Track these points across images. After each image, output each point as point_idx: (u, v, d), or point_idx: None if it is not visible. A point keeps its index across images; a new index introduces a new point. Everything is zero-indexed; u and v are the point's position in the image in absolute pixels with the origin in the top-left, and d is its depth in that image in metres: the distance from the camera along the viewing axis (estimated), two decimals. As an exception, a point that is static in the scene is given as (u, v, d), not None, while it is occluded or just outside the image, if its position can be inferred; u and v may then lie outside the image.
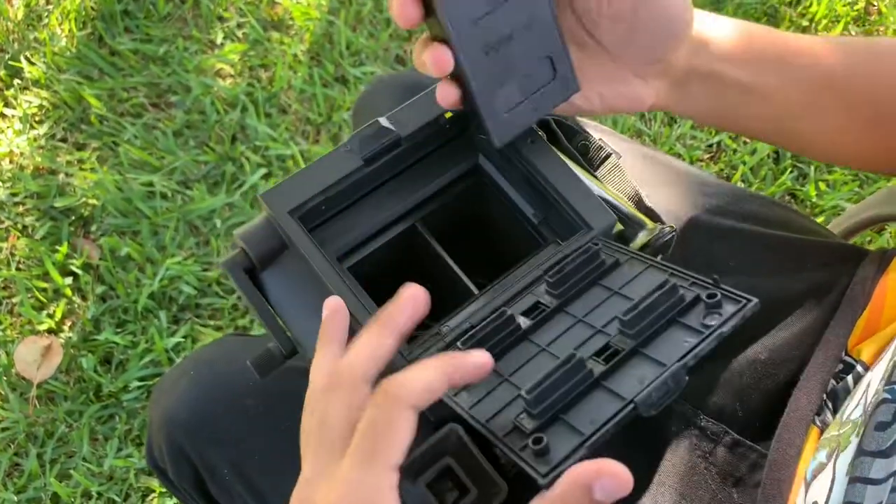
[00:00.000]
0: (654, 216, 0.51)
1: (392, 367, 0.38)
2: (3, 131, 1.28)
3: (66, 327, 1.16)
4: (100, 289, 1.17)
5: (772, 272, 0.57)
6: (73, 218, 1.22)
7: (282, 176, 1.24)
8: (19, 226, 1.22)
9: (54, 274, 1.16)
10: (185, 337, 1.13)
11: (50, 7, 1.38)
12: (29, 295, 1.16)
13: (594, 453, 0.32)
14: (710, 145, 1.29)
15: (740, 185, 1.25)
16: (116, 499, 1.06)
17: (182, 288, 1.15)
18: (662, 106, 0.50)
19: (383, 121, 0.48)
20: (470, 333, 0.40)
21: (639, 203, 0.51)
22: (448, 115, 0.49)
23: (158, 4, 1.36)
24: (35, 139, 1.27)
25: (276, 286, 0.47)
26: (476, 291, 0.47)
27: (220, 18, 1.37)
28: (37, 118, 1.30)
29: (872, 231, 1.22)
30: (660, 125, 1.30)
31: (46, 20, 1.37)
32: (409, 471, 0.35)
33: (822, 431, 0.46)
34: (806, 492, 0.43)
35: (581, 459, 0.32)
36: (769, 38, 0.51)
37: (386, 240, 0.50)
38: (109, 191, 1.21)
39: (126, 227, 1.20)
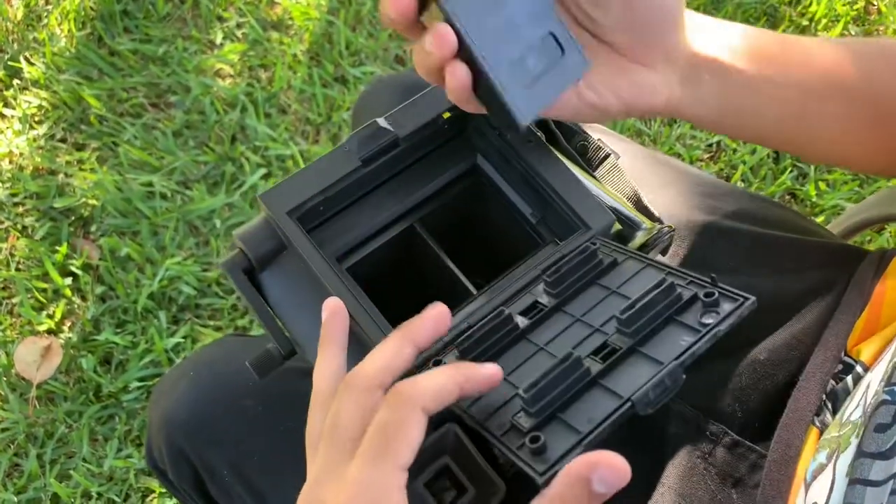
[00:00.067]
0: (652, 216, 0.51)
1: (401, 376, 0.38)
2: (2, 132, 1.28)
3: (65, 328, 1.16)
4: (99, 289, 1.17)
5: (771, 272, 0.57)
6: (73, 218, 1.22)
7: (281, 176, 1.24)
8: (19, 226, 1.22)
9: (54, 274, 1.16)
10: (184, 337, 1.13)
11: (49, 7, 1.38)
12: (28, 295, 1.16)
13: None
14: (710, 145, 1.29)
15: (740, 184, 1.25)
16: (116, 499, 1.06)
17: (182, 288, 1.15)
18: (677, 102, 0.48)
19: (381, 121, 0.48)
20: (468, 333, 0.41)
21: (637, 203, 0.51)
22: (446, 115, 0.49)
23: (158, 5, 1.36)
24: (34, 139, 1.27)
25: (275, 287, 0.47)
26: (474, 291, 0.47)
27: (220, 18, 1.37)
28: (36, 118, 1.30)
29: (872, 231, 1.22)
30: (660, 125, 1.30)
31: (46, 20, 1.37)
32: (408, 471, 0.35)
33: (821, 432, 0.46)
34: (806, 493, 0.43)
35: None
36: (775, 37, 0.51)
37: (384, 240, 0.50)
38: (109, 191, 1.21)
39: (126, 227, 1.20)
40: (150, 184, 1.23)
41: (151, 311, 1.15)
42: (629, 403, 0.33)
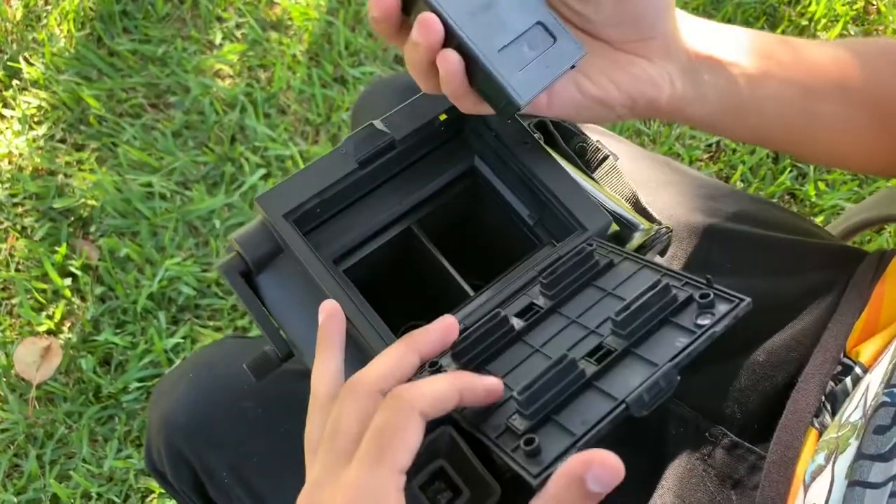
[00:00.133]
0: (650, 217, 0.50)
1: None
2: (1, 132, 1.28)
3: (65, 328, 1.16)
4: (99, 290, 1.17)
5: (770, 274, 0.57)
6: (73, 219, 1.22)
7: (281, 176, 1.24)
8: (18, 227, 1.22)
9: (53, 275, 1.16)
10: (184, 338, 1.13)
11: (48, 8, 1.38)
12: (28, 296, 1.16)
13: None
14: (710, 145, 1.29)
15: (739, 184, 1.25)
16: (116, 500, 1.06)
17: (181, 289, 1.15)
18: (679, 98, 0.48)
19: (378, 124, 0.48)
20: (464, 335, 0.41)
21: (636, 204, 0.51)
22: (443, 117, 0.49)
23: (157, 5, 1.36)
24: (34, 140, 1.27)
25: (272, 289, 0.47)
26: (471, 293, 0.47)
27: (219, 19, 1.37)
28: (36, 119, 1.30)
29: (872, 231, 1.22)
30: (659, 125, 1.30)
31: (45, 21, 1.36)
32: None
33: (820, 433, 0.46)
34: (805, 494, 0.42)
35: None
36: (773, 38, 0.51)
37: (381, 242, 0.50)
38: (108, 191, 1.21)
39: (125, 227, 1.20)
40: (149, 184, 1.23)
41: (151, 312, 1.15)
42: (623, 405, 0.33)
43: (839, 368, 0.48)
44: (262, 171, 1.23)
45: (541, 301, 0.43)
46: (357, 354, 0.43)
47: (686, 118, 0.50)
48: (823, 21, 1.37)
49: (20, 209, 1.23)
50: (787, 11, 1.38)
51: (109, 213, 1.21)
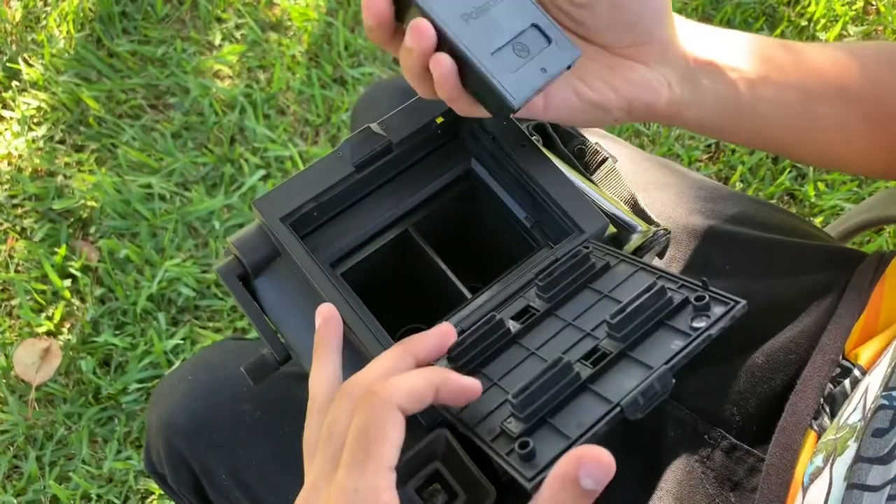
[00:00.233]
0: (648, 219, 0.50)
1: None
2: (1, 133, 1.28)
3: (64, 329, 1.16)
4: (99, 291, 1.17)
5: (769, 276, 0.57)
6: (72, 220, 1.22)
7: (280, 177, 1.24)
8: (18, 228, 1.22)
9: (53, 276, 1.16)
10: (184, 339, 1.13)
11: (48, 9, 1.38)
12: (28, 297, 1.16)
13: None
14: (709, 146, 1.29)
15: (739, 185, 1.25)
16: (116, 501, 1.06)
17: (181, 290, 1.15)
18: (677, 103, 0.48)
19: (374, 127, 0.48)
20: (460, 338, 0.40)
21: (634, 206, 0.51)
22: (439, 120, 0.49)
23: (156, 6, 1.36)
24: (33, 141, 1.27)
25: (270, 293, 0.47)
26: (469, 295, 0.47)
27: (219, 20, 1.37)
28: (35, 120, 1.30)
29: (871, 231, 1.22)
30: (658, 125, 1.30)
31: (44, 22, 1.37)
32: (398, 475, 0.35)
33: (819, 435, 0.46)
34: (803, 496, 0.42)
35: None
36: (772, 41, 0.51)
37: (379, 245, 0.50)
38: (108, 193, 1.21)
39: (125, 228, 1.20)
40: (148, 185, 1.23)
41: (150, 313, 1.15)
42: (618, 408, 0.33)
43: (838, 370, 0.48)
44: (262, 172, 1.23)
45: (537, 303, 0.43)
46: (354, 357, 0.43)
47: (684, 122, 0.50)
48: (823, 21, 1.37)
49: (20, 210, 1.23)
50: (787, 12, 1.38)
51: (109, 215, 1.21)
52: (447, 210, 0.52)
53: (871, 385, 0.43)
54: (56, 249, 1.18)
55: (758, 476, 0.48)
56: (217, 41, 1.35)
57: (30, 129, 1.29)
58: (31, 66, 1.33)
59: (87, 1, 1.37)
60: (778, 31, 1.36)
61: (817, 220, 1.22)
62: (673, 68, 0.48)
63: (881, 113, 0.52)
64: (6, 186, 1.24)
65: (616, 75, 0.47)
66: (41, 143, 1.27)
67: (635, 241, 0.49)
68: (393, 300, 0.51)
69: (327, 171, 0.47)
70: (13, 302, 1.17)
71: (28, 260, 1.20)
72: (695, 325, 0.36)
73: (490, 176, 0.51)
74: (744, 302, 0.35)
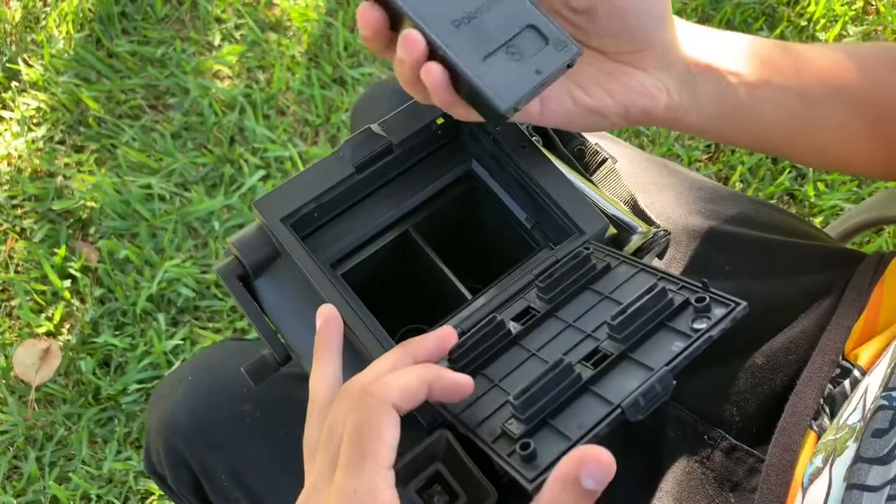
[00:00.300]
0: (648, 220, 0.50)
1: None
2: (1, 134, 1.28)
3: (64, 330, 1.16)
4: (98, 291, 1.17)
5: (769, 277, 0.57)
6: (72, 220, 1.22)
7: (280, 177, 1.24)
8: (17, 228, 1.22)
9: (53, 277, 1.16)
10: (183, 339, 1.13)
11: (47, 9, 1.38)
12: (27, 298, 1.16)
13: None
14: (709, 145, 1.29)
15: (738, 185, 1.25)
16: (116, 502, 1.06)
17: (181, 290, 1.15)
18: (675, 108, 0.48)
19: (375, 127, 0.48)
20: (460, 340, 0.41)
21: (634, 207, 0.51)
22: (440, 121, 0.49)
23: (156, 6, 1.36)
24: (33, 142, 1.27)
25: (270, 293, 0.47)
26: (469, 296, 0.47)
27: (218, 20, 1.37)
28: (35, 120, 1.30)
29: (871, 232, 1.22)
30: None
31: (44, 22, 1.36)
32: (399, 476, 0.35)
33: (819, 436, 0.46)
34: (803, 497, 0.43)
35: None
36: (770, 43, 0.51)
37: (379, 246, 0.50)
38: (108, 193, 1.21)
39: (124, 229, 1.20)
40: (148, 186, 1.23)
41: (150, 314, 1.15)
42: (619, 410, 0.33)
43: (838, 371, 0.48)
44: (262, 173, 1.23)
45: (538, 305, 0.43)
46: (355, 358, 0.43)
47: (682, 127, 0.50)
48: (822, 21, 1.37)
49: (19, 211, 1.23)
50: (786, 12, 1.38)
51: (109, 215, 1.21)
52: (448, 211, 0.52)
53: (871, 385, 0.43)
54: (56, 250, 1.18)
55: (757, 476, 0.48)
56: (217, 41, 1.35)
57: (29, 129, 1.29)
58: (30, 66, 1.33)
59: (86, 1, 1.37)
60: (777, 32, 1.36)
61: (817, 221, 1.22)
62: (671, 74, 0.48)
63: (880, 113, 0.52)
64: (6, 187, 1.24)
65: (614, 81, 0.47)
66: (41, 144, 1.27)
67: (635, 242, 0.49)
68: (393, 301, 0.51)
69: (328, 172, 0.47)
70: (13, 302, 1.17)
71: (28, 260, 1.19)
72: (696, 326, 0.36)
73: (490, 177, 0.51)
74: (744, 304, 0.35)
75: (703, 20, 1.37)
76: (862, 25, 1.38)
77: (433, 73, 0.41)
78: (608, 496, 0.32)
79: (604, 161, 0.52)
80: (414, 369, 0.37)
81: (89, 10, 1.37)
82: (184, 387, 0.62)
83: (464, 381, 0.37)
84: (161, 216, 1.20)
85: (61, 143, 1.28)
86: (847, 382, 0.47)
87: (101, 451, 1.09)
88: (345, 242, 0.49)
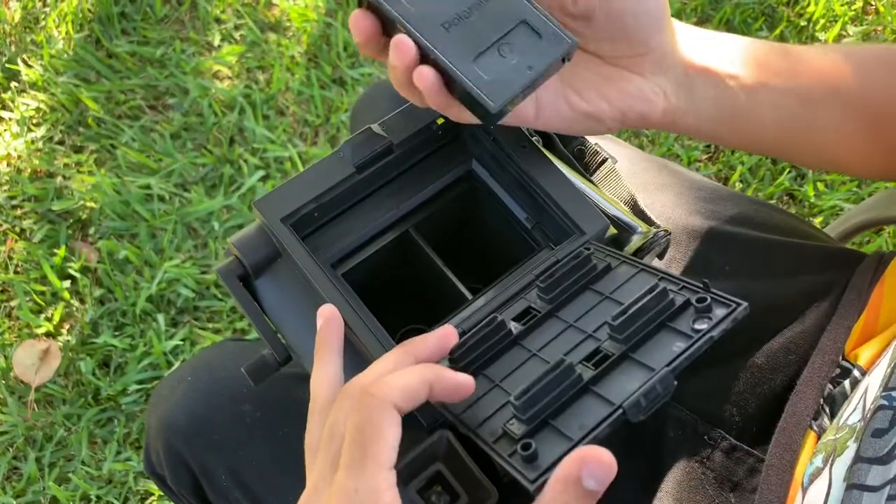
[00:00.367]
0: (648, 220, 0.50)
1: None
2: (0, 134, 1.28)
3: (64, 330, 1.16)
4: (98, 292, 1.17)
5: (768, 277, 0.57)
6: (71, 221, 1.22)
7: (280, 178, 1.24)
8: (17, 229, 1.22)
9: (52, 277, 1.16)
10: (183, 340, 1.13)
11: (47, 10, 1.38)
12: (27, 298, 1.16)
13: None
14: (709, 146, 1.29)
15: (738, 185, 1.25)
16: (115, 502, 1.06)
17: (180, 291, 1.15)
18: (673, 112, 0.48)
19: (375, 128, 0.48)
20: (461, 340, 0.41)
21: (634, 207, 0.51)
22: (440, 121, 0.49)
23: (156, 6, 1.36)
24: (32, 142, 1.27)
25: (271, 293, 0.47)
26: (469, 296, 0.47)
27: (218, 20, 1.37)
28: (34, 121, 1.30)
29: (871, 232, 1.22)
30: (658, 126, 1.30)
31: (43, 23, 1.36)
32: (400, 476, 0.35)
33: (819, 436, 0.46)
34: (803, 497, 0.43)
35: None
36: (768, 45, 0.51)
37: (379, 246, 0.50)
38: (107, 193, 1.21)
39: (124, 229, 1.20)
40: (148, 186, 1.23)
41: (150, 314, 1.15)
42: (620, 410, 0.33)
43: (838, 371, 0.48)
44: (261, 173, 1.23)
45: (538, 305, 0.43)
46: (356, 358, 0.43)
47: (681, 129, 0.50)
48: (822, 21, 1.37)
49: (19, 211, 1.23)
50: (786, 12, 1.38)
51: (108, 216, 1.21)
52: (448, 211, 0.52)
53: (871, 385, 0.43)
54: (55, 250, 1.18)
55: (757, 476, 0.48)
56: (216, 42, 1.35)
57: (29, 129, 1.29)
58: (30, 66, 1.33)
59: (85, 2, 1.37)
60: (777, 32, 1.36)
61: (817, 221, 1.22)
62: (669, 78, 0.48)
63: (879, 114, 0.52)
64: (5, 187, 1.24)
65: (611, 86, 0.47)
66: (40, 144, 1.27)
67: (636, 242, 0.49)
68: (393, 301, 0.51)
69: (328, 172, 0.47)
70: (12, 303, 1.17)
71: (27, 261, 1.19)
72: (697, 326, 0.36)
73: (491, 177, 0.51)
74: (745, 304, 0.35)
75: (703, 20, 1.37)
76: (861, 25, 1.39)
77: (425, 76, 0.41)
78: (609, 496, 0.32)
79: (604, 161, 0.52)
80: (415, 369, 0.37)
81: (89, 10, 1.37)
82: (183, 387, 0.62)
83: (465, 380, 0.37)
84: (161, 216, 1.20)
85: (61, 143, 1.28)
86: (847, 382, 0.47)
87: (100, 452, 1.09)
88: (345, 242, 0.49)
